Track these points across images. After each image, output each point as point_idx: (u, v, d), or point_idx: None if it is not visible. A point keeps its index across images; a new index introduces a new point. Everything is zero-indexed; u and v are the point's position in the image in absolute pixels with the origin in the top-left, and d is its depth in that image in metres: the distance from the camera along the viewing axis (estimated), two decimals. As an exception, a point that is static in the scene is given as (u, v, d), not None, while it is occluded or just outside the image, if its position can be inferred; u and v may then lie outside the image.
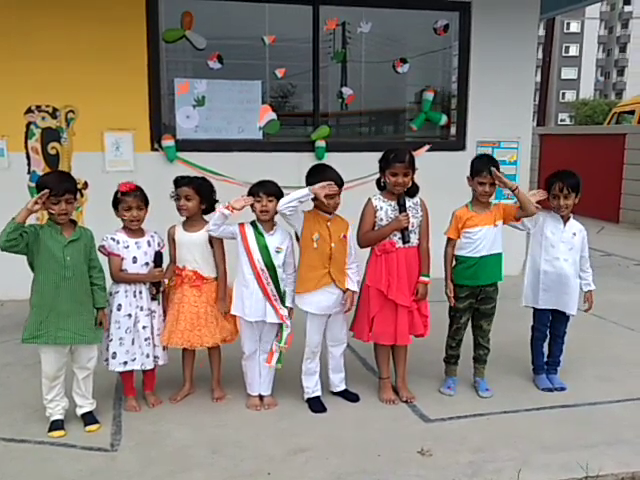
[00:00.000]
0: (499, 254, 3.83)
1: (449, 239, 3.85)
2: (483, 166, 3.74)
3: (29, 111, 5.78)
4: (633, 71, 69.91)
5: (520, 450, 3.23)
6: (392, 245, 3.65)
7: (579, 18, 67.85)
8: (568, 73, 68.77)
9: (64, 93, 5.77)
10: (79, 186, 5.89)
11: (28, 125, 5.81)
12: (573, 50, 70.58)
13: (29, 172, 5.82)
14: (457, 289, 3.83)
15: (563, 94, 66.09)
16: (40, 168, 5.82)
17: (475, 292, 3.82)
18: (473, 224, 3.76)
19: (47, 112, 5.82)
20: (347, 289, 3.65)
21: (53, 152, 5.89)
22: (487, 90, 6.68)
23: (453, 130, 6.96)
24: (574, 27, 70.00)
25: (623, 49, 74.41)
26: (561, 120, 58.33)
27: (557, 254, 3.91)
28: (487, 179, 3.72)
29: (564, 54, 66.61)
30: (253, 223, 3.61)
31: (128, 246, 3.54)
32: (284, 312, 3.58)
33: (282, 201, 3.48)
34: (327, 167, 3.69)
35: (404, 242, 3.65)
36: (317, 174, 3.62)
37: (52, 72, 5.68)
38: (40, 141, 5.85)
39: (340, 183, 3.59)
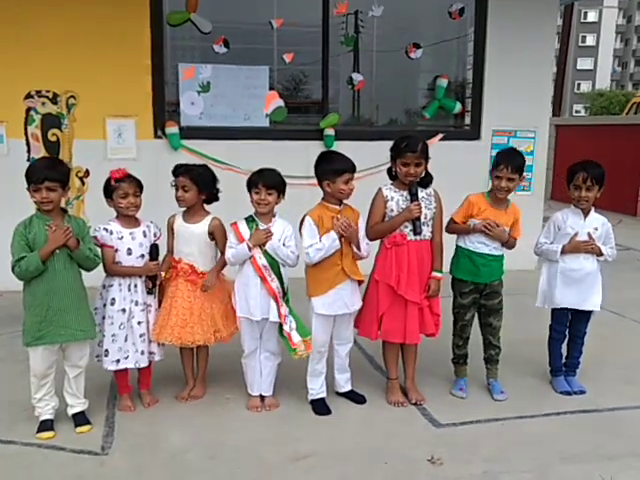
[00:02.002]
0: (502, 256, 3.63)
1: (453, 221, 3.63)
2: (502, 159, 3.52)
3: (29, 96, 5.61)
4: (651, 61, 68.79)
5: (537, 460, 3.01)
6: (403, 237, 3.43)
7: (597, 7, 66.69)
8: (584, 63, 67.67)
9: (65, 78, 5.60)
10: (80, 174, 5.75)
11: (28, 111, 5.64)
12: (590, 40, 69.38)
13: (29, 159, 5.64)
14: (460, 284, 3.63)
15: (578, 85, 65.06)
16: (40, 155, 5.63)
17: (479, 287, 3.61)
18: (485, 218, 3.54)
19: (47, 97, 5.65)
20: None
21: (53, 139, 5.73)
22: (503, 77, 6.41)
23: (467, 119, 6.70)
24: (591, 16, 68.76)
25: (641, 39, 73.15)
26: (576, 111, 57.42)
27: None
28: (504, 173, 3.49)
29: (580, 44, 65.54)
30: (248, 218, 3.41)
31: (122, 237, 3.34)
32: (285, 311, 3.37)
33: (313, 253, 3.28)
34: (336, 154, 3.47)
35: (415, 234, 3.43)
36: (326, 162, 3.41)
37: (52, 56, 5.51)
38: (40, 127, 5.69)
39: (352, 169, 3.38)
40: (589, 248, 3.63)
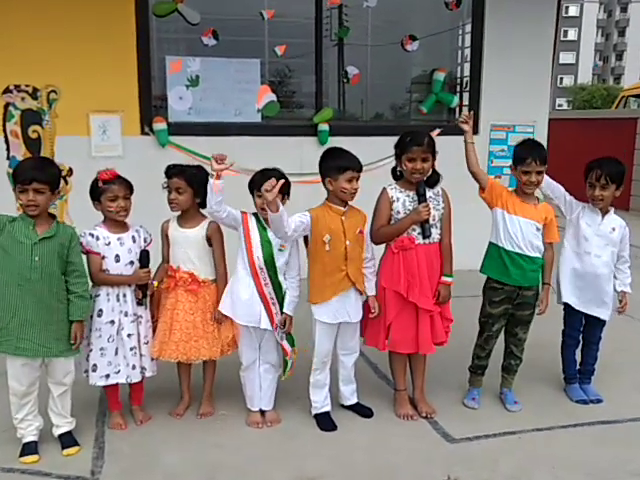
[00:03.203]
0: (538, 259, 3.37)
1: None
2: (527, 153, 3.30)
3: (7, 91, 5.29)
4: (632, 55, 69.22)
5: (562, 478, 2.82)
6: (411, 241, 3.22)
7: (578, 1, 67.02)
8: (566, 58, 67.99)
9: (45, 72, 5.28)
10: (63, 173, 5.45)
11: (6, 106, 5.32)
12: (572, 34, 69.70)
13: (8, 157, 5.35)
14: (491, 292, 3.42)
15: (561, 79, 65.40)
16: (20, 153, 5.36)
17: (512, 296, 3.38)
18: (512, 210, 3.33)
19: (27, 92, 5.34)
20: (367, 296, 3.25)
21: (34, 136, 5.42)
22: (502, 71, 6.20)
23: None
24: (573, 11, 69.07)
25: (622, 33, 73.54)
26: (558, 105, 57.69)
27: (589, 248, 3.50)
28: (532, 167, 3.28)
29: (562, 38, 65.79)
30: (256, 214, 3.18)
31: (109, 242, 3.09)
32: (277, 320, 3.16)
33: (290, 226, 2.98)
34: (342, 151, 3.23)
35: (424, 237, 3.22)
36: (330, 158, 3.18)
37: (32, 49, 5.19)
38: (20, 124, 5.38)
39: (357, 168, 3.15)
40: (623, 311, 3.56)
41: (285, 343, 3.22)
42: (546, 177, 3.43)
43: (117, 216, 3.08)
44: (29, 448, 2.94)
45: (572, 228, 3.55)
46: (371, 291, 3.26)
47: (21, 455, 2.91)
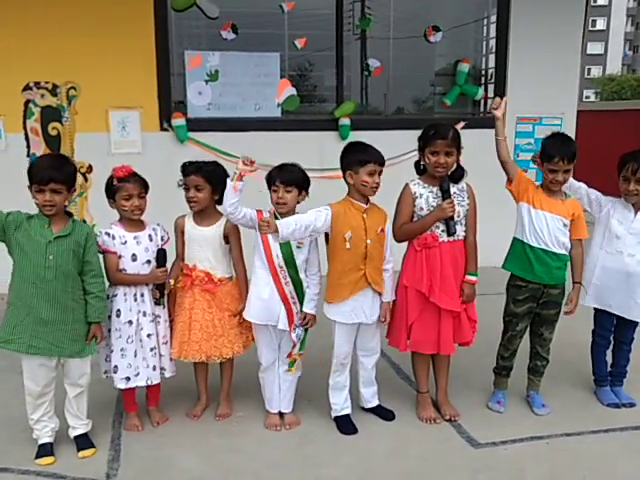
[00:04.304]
0: (564, 256, 3.24)
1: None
2: (556, 151, 3.14)
3: (27, 88, 5.29)
4: (663, 45, 67.62)
5: (591, 487, 2.71)
6: (434, 239, 3.10)
7: (607, -10, 65.65)
8: (594, 48, 66.58)
9: (65, 68, 5.27)
10: (82, 170, 5.44)
11: (26, 103, 5.33)
12: (600, 24, 68.28)
13: (28, 155, 5.35)
14: (515, 289, 3.30)
15: (589, 70, 64.07)
16: (40, 150, 5.36)
17: (536, 295, 3.26)
18: (538, 205, 3.20)
19: (47, 89, 5.34)
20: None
21: (54, 133, 5.42)
22: (528, 61, 6.03)
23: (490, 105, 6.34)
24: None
25: (653, 22, 71.83)
26: (586, 97, 56.48)
27: (621, 247, 3.34)
28: (560, 166, 3.13)
29: (590, 28, 64.45)
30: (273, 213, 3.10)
31: (126, 242, 3.03)
32: (297, 319, 3.07)
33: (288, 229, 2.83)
34: (364, 145, 3.12)
35: (449, 234, 3.10)
36: (351, 152, 3.07)
37: (51, 45, 5.18)
38: (40, 121, 5.38)
39: (379, 161, 3.04)
40: None
41: (298, 345, 3.12)
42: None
43: (132, 215, 3.02)
44: (44, 450, 2.90)
45: (602, 226, 3.40)
46: (386, 297, 3.15)
47: (37, 457, 2.88)
